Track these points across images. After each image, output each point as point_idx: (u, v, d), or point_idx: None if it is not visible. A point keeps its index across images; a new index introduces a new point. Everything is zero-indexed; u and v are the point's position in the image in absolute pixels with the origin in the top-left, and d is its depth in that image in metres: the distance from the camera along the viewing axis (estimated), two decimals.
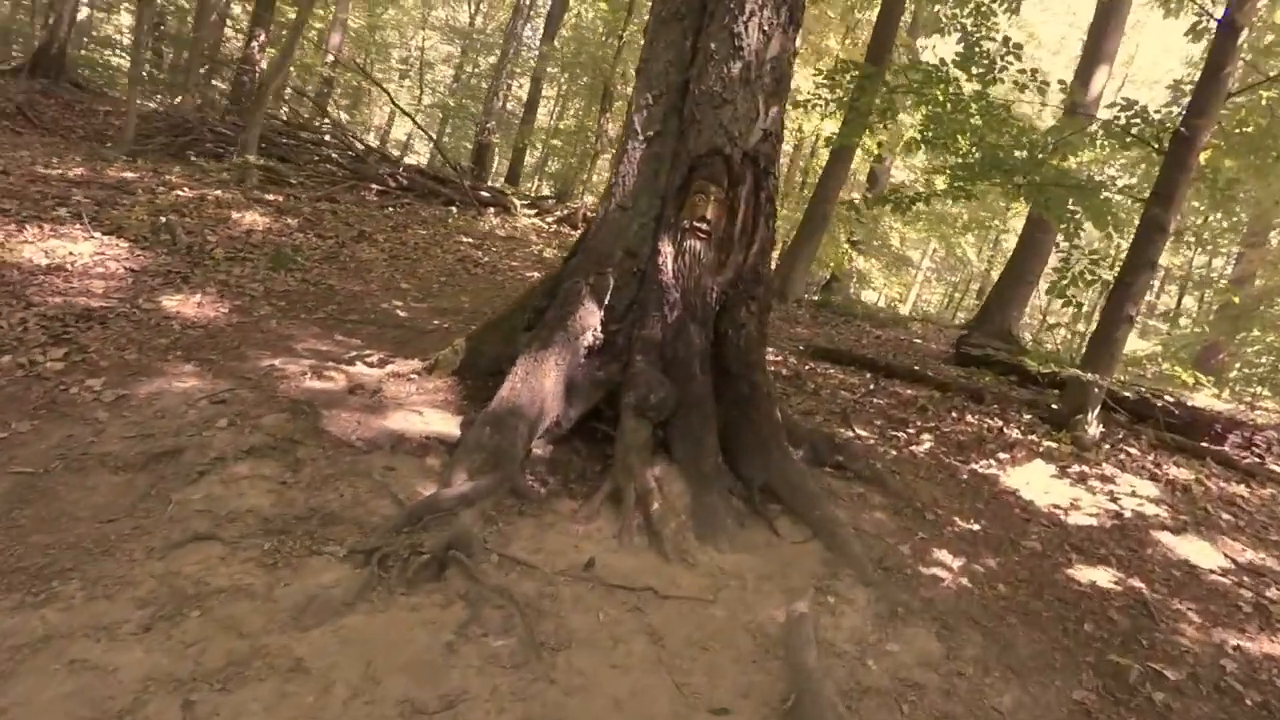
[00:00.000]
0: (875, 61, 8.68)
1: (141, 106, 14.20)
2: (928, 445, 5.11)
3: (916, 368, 7.22)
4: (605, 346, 4.12)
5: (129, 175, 8.37)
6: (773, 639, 2.93)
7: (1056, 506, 4.41)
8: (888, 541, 3.74)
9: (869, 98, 7.77)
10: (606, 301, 4.12)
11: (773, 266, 11.83)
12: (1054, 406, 5.92)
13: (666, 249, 3.97)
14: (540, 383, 3.88)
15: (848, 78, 7.57)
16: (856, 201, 7.99)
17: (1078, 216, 6.51)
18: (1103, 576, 3.71)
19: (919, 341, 9.76)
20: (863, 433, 5.13)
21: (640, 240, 4.15)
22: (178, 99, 15.83)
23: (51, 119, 12.48)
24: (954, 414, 5.81)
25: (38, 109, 12.38)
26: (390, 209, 10.67)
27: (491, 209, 12.83)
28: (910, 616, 3.18)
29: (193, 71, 17.89)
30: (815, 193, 10.77)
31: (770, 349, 6.95)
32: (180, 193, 7.91)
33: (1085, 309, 11.12)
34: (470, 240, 9.59)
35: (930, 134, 7.66)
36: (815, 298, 12.46)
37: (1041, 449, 5.21)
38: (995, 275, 25.23)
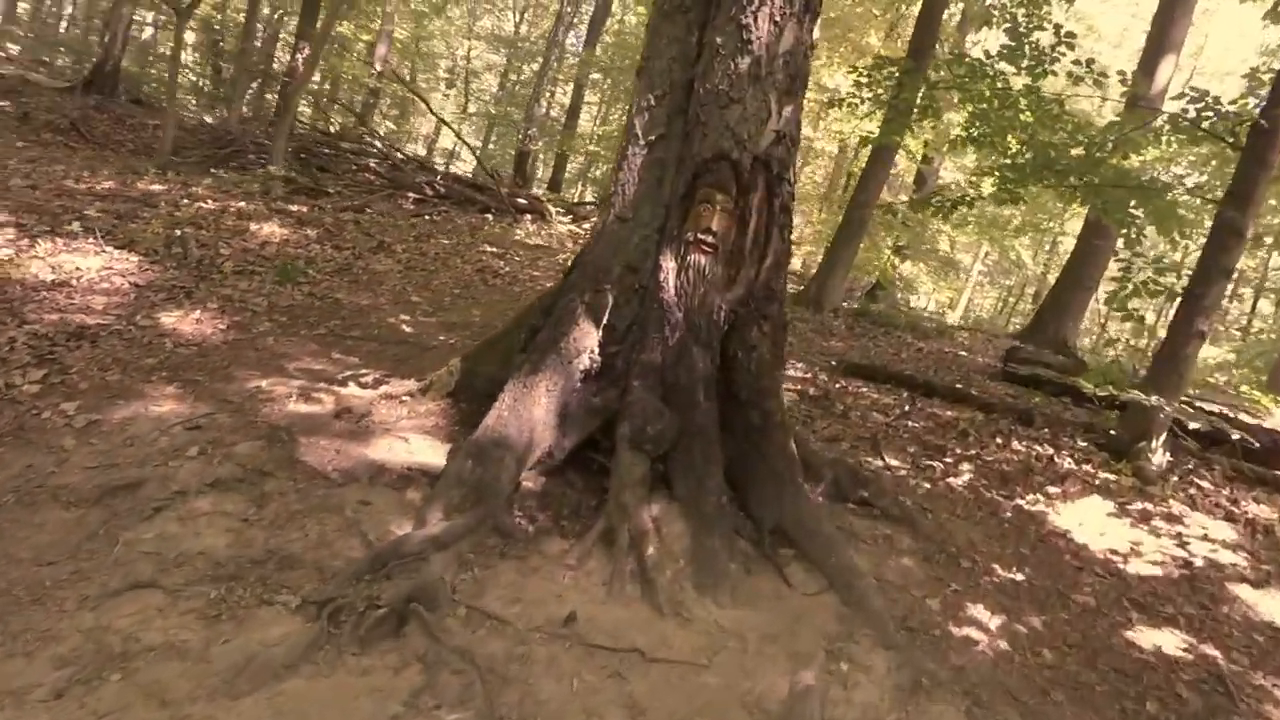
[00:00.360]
0: (917, 58, 8.16)
1: (191, 119, 14.54)
2: (967, 477, 4.63)
3: (959, 385, 6.69)
4: (603, 370, 3.78)
5: (156, 188, 8.40)
6: (773, 716, 2.55)
7: (1114, 552, 3.89)
8: (914, 594, 3.31)
9: (909, 94, 7.29)
10: (605, 321, 3.79)
11: (810, 274, 11.31)
12: (1113, 432, 5.35)
13: (668, 264, 3.61)
14: (530, 410, 3.57)
15: (885, 74, 7.09)
16: (895, 205, 7.48)
17: (1139, 220, 5.92)
18: (1169, 641, 3.21)
19: (965, 355, 9.16)
20: (894, 462, 4.68)
21: (641, 254, 3.81)
22: (227, 112, 16.18)
23: (103, 134, 12.76)
24: (998, 439, 5.29)
25: (90, 124, 12.68)
26: (425, 217, 10.61)
27: (528, 215, 12.68)
28: (936, 690, 2.75)
29: (240, 84, 18.26)
30: (853, 196, 10.25)
31: (799, 365, 6.52)
32: (204, 205, 7.89)
33: (1151, 322, 10.32)
34: (494, 249, 9.39)
35: (976, 132, 7.15)
36: (855, 305, 11.90)
37: (1098, 482, 4.68)
38: (1052, 280, 24.10)
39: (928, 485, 4.42)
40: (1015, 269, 24.66)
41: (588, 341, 3.73)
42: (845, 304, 11.35)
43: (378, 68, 20.08)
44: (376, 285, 6.67)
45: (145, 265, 5.78)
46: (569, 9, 20.89)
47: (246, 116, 15.51)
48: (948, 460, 4.83)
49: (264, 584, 2.78)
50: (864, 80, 7.03)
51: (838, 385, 6.24)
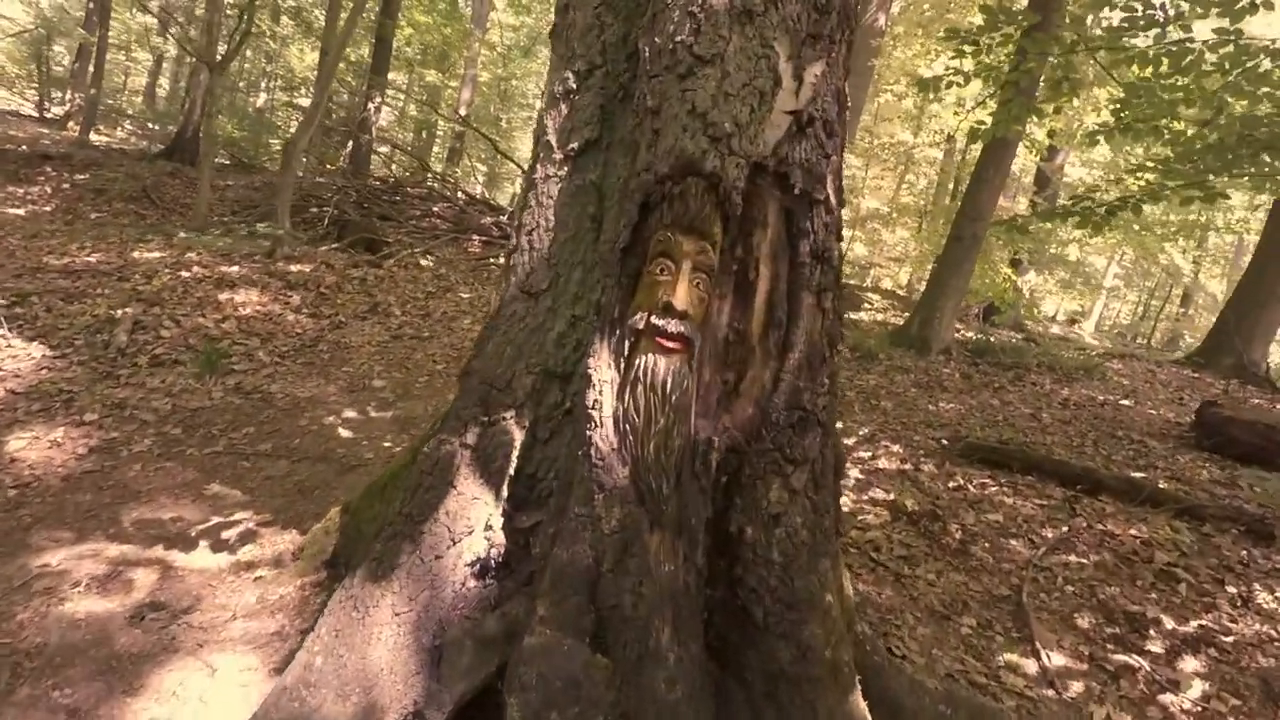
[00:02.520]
0: (1042, 10, 6.12)
1: (260, 179, 14.29)
2: (1198, 688, 2.63)
3: (1140, 475, 4.56)
4: (510, 560, 2.15)
5: (153, 255, 7.63)
6: None
7: None
8: None
9: (1034, 63, 5.29)
10: (513, 469, 2.16)
11: (913, 297, 9.19)
12: None
13: (602, 373, 1.94)
14: (366, 651, 1.97)
15: (998, 37, 5.13)
16: (1023, 217, 5.44)
17: None
18: None
19: (1128, 403, 6.84)
20: (1058, 659, 2.74)
21: (570, 349, 2.16)
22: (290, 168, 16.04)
23: (172, 199, 12.70)
24: (1230, 586, 3.21)
25: (162, 190, 12.76)
26: (490, 260, 9.62)
27: None
28: None
29: (300, 140, 18.13)
30: (961, 208, 8.16)
31: (893, 448, 4.63)
32: (187, 272, 6.98)
33: None
34: None
35: (1133, 113, 5.09)
36: (973, 334, 9.63)
37: None
38: (1204, 279, 20.24)
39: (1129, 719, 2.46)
40: (1159, 271, 21.14)
41: (476, 514, 2.11)
42: (958, 333, 9.15)
43: (463, 111, 19.59)
44: (338, 366, 5.34)
45: (46, 362, 4.69)
46: None
47: (316, 168, 15.22)
48: (1154, 647, 2.83)
49: None
50: (969, 48, 5.08)
51: (952, 485, 4.29)
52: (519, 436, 2.15)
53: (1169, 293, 24.79)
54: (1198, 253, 19.61)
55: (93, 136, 16.39)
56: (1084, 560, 3.47)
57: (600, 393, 1.93)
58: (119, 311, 5.55)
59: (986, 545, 3.54)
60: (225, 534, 3.16)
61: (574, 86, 2.12)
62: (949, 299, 8.02)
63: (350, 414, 4.55)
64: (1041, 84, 5.89)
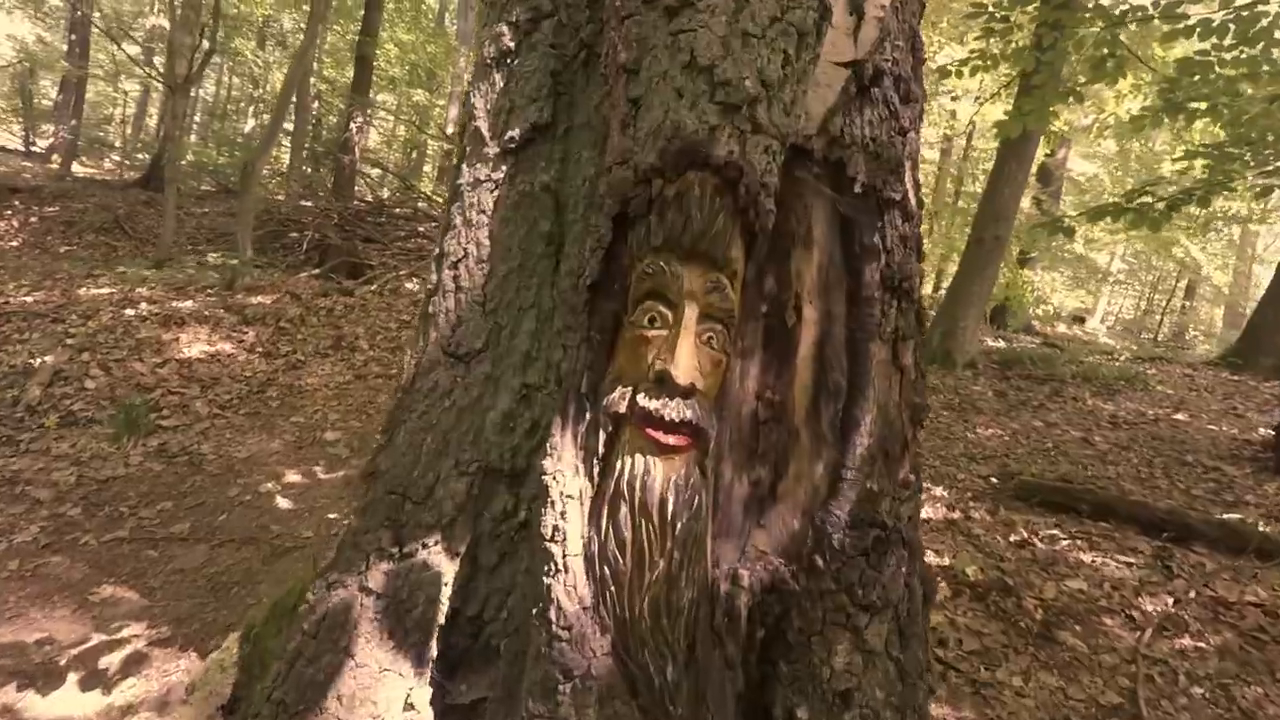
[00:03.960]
0: None
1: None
2: None
3: (1233, 516, 3.84)
4: None
5: (101, 291, 6.97)
6: None
7: None
8: None
9: (1071, 39, 4.63)
10: (442, 617, 1.44)
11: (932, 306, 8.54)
12: None
13: (565, 483, 1.23)
14: None
15: (1031, 10, 4.47)
16: (1069, 219, 4.74)
17: None
18: None
19: (1181, 418, 6.13)
20: None
21: (521, 435, 1.46)
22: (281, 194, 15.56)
23: (146, 229, 12.20)
24: None
25: (136, 220, 12.30)
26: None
27: None
28: None
29: (258, 162, 17.65)
30: (981, 208, 7.49)
31: (934, 491, 3.92)
32: (134, 310, 6.30)
33: None
34: None
35: (1186, 93, 4.45)
36: (997, 342, 8.93)
37: None
38: (1209, 271, 19.55)
39: None
40: (1162, 265, 20.53)
41: (386, 694, 1.39)
42: (984, 341, 8.44)
43: (450, 130, 19.00)
44: (287, 415, 4.63)
45: None
46: None
47: (299, 192, 14.66)
48: None
49: None
50: (998, 24, 4.42)
51: (1014, 539, 3.56)
52: (449, 569, 1.44)
53: (1174, 286, 24.14)
54: (1201, 243, 18.95)
55: (77, 169, 15.89)
56: (1202, 644, 2.75)
57: (563, 515, 1.22)
58: (39, 360, 4.86)
59: (1077, 628, 2.82)
60: (104, 661, 2.44)
61: (511, 46, 1.43)
62: (972, 307, 7.32)
63: (293, 477, 3.83)
64: (1075, 64, 5.22)
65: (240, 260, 7.65)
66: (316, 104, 19.91)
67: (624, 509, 1.17)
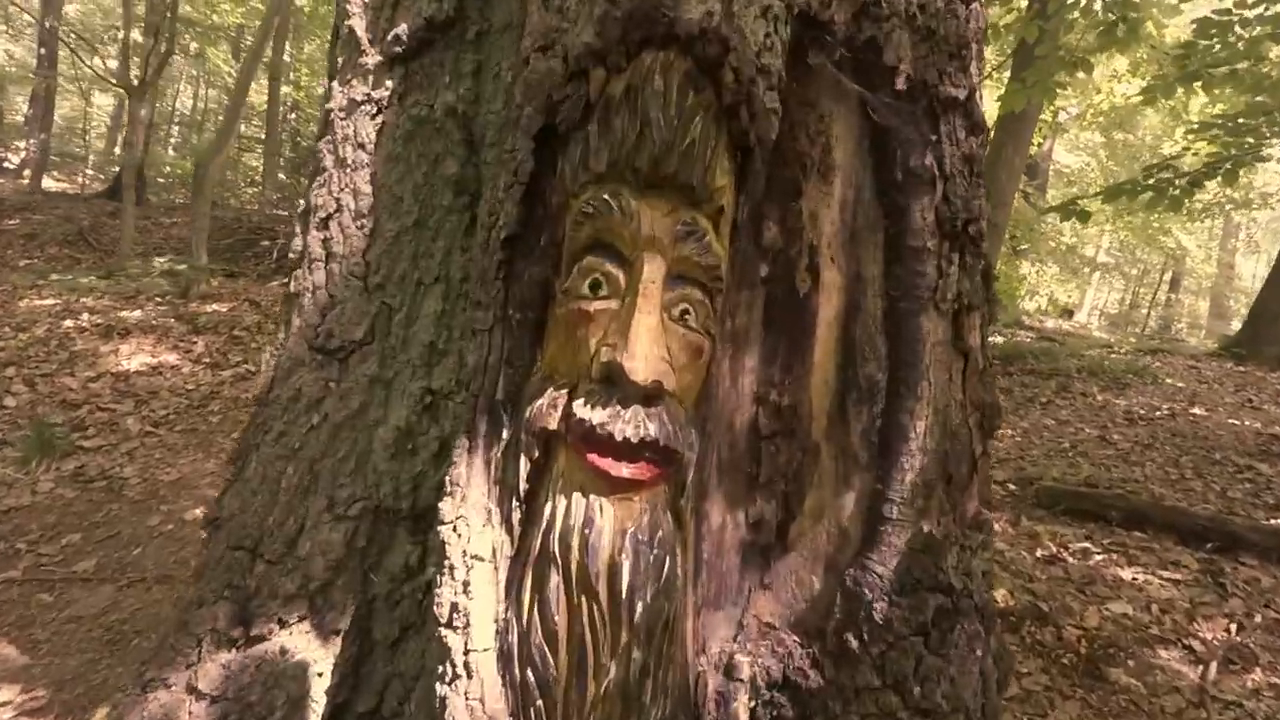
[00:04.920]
0: None
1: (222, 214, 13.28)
2: None
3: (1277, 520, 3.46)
4: None
5: (45, 303, 6.54)
6: None
7: None
8: None
9: (1076, 6, 4.29)
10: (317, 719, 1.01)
11: None
12: None
13: (472, 539, 0.80)
14: None
15: None
16: (1083, 201, 4.36)
17: None
18: None
19: (1199, 413, 5.78)
20: None
21: (426, 460, 1.02)
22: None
23: (111, 240, 11.72)
24: None
25: (100, 231, 11.90)
26: None
27: None
28: None
29: (210, 166, 17.33)
30: None
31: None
32: (78, 319, 5.87)
33: None
34: None
35: (1202, 59, 4.12)
36: (998, 336, 8.57)
37: None
38: (1194, 262, 19.30)
39: None
40: (1148, 255, 20.36)
41: None
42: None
43: None
44: (228, 431, 4.18)
45: None
46: None
47: (278, 203, 14.29)
48: None
49: None
50: None
51: (1041, 554, 3.16)
52: (322, 655, 1.01)
53: (1160, 278, 24.01)
54: (1193, 230, 18.77)
55: (48, 183, 15.42)
56: (1277, 680, 2.35)
57: (465, 588, 0.80)
58: None
59: (1130, 663, 2.41)
60: None
61: None
62: None
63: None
64: (1081, 32, 4.85)
65: (192, 266, 7.17)
66: (294, 115, 19.48)
67: (555, 579, 0.75)
